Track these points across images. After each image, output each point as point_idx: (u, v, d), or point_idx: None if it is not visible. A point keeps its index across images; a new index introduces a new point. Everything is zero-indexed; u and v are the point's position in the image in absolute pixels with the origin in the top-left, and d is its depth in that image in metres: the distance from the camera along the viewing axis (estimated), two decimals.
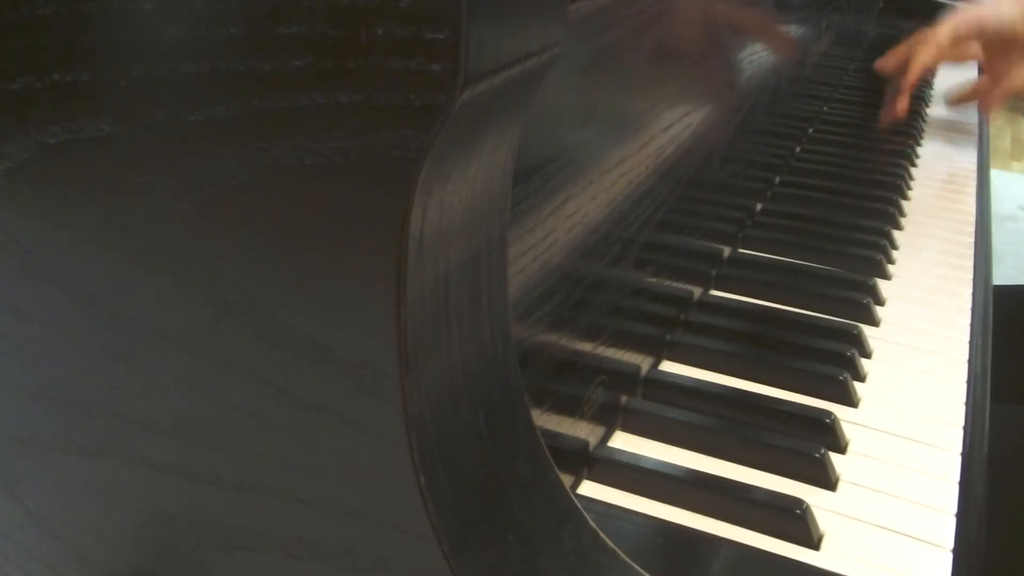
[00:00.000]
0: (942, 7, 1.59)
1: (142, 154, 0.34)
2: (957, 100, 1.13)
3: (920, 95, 1.29)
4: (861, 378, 0.65)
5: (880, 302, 0.76)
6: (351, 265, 0.32)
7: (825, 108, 1.22)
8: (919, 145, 1.16)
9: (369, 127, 0.31)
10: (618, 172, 0.54)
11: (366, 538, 0.36)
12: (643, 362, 0.62)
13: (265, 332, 0.35)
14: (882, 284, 0.78)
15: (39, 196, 0.37)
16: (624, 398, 0.59)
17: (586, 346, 0.53)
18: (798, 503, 0.51)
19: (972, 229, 0.93)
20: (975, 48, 1.08)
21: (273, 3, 0.30)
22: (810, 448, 0.55)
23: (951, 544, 0.51)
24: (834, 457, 0.56)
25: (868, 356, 0.68)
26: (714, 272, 0.76)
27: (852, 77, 1.35)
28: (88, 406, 0.40)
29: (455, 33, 0.29)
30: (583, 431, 0.53)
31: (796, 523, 0.50)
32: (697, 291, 0.73)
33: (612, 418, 0.58)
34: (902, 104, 1.03)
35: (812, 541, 0.50)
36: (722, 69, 0.74)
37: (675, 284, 0.68)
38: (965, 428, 0.61)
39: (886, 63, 1.09)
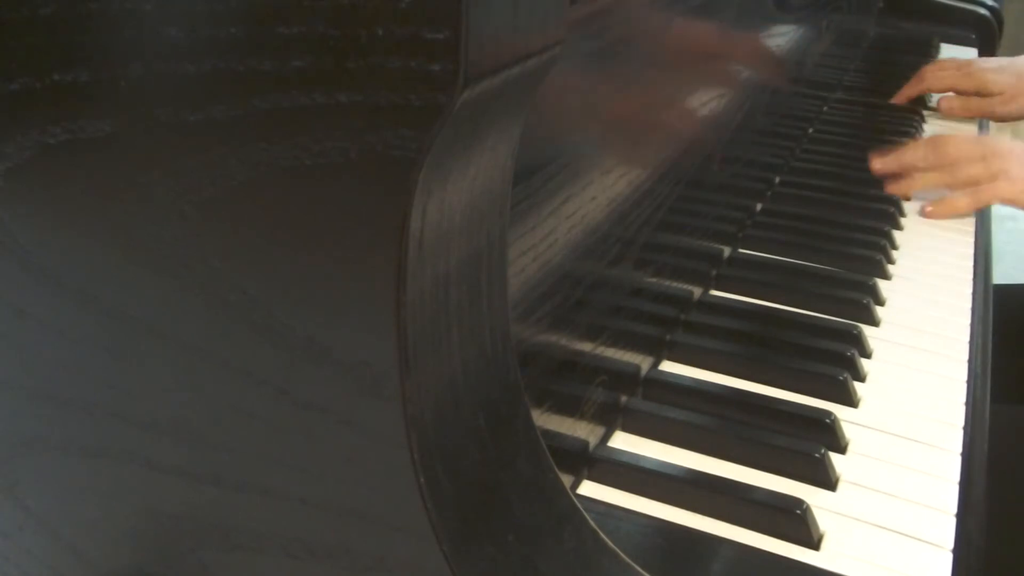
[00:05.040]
0: (940, 8, 1.59)
1: (142, 154, 0.34)
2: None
3: (920, 95, 1.30)
4: (861, 378, 0.65)
5: (880, 302, 0.76)
6: (351, 265, 0.32)
7: (825, 108, 1.22)
8: None
9: (369, 127, 0.31)
10: (618, 172, 0.54)
11: (366, 538, 0.36)
12: (643, 362, 0.62)
13: (265, 332, 0.35)
14: (882, 284, 0.78)
15: (39, 196, 0.37)
16: (624, 398, 0.59)
17: (586, 346, 0.53)
18: (798, 503, 0.51)
19: (972, 229, 0.93)
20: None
21: (273, 3, 0.30)
22: (810, 448, 0.55)
23: (951, 544, 0.51)
24: (834, 457, 0.56)
25: (868, 356, 0.68)
26: (714, 272, 0.76)
27: (852, 77, 1.35)
28: (88, 406, 0.40)
29: (455, 33, 0.29)
30: (583, 431, 0.53)
31: (796, 523, 0.50)
32: (697, 291, 0.73)
33: (612, 418, 0.58)
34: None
35: (812, 541, 0.50)
36: (722, 68, 0.74)
37: (675, 284, 0.68)
38: (965, 428, 0.61)
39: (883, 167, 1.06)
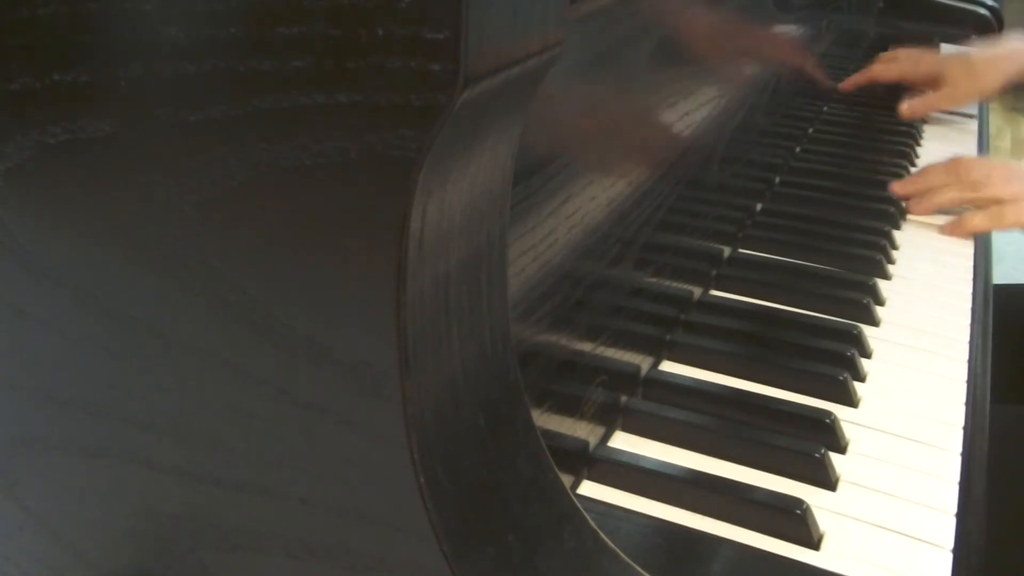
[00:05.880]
0: (940, 8, 1.59)
1: (142, 154, 0.34)
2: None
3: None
4: (861, 378, 0.65)
5: (880, 302, 0.76)
6: (351, 265, 0.32)
7: (825, 108, 1.22)
8: (919, 145, 1.16)
9: (369, 127, 0.31)
10: (618, 172, 0.55)
11: (366, 538, 0.36)
12: (643, 362, 0.62)
13: (265, 332, 0.35)
14: (882, 284, 0.78)
15: (39, 196, 0.37)
16: (624, 398, 0.59)
17: (586, 346, 0.53)
18: (798, 503, 0.51)
19: None
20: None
21: (273, 3, 0.30)
22: (810, 448, 0.55)
23: (951, 544, 0.51)
24: (834, 457, 0.56)
25: (868, 356, 0.68)
26: (714, 272, 0.76)
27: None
28: (88, 406, 0.40)
29: (455, 33, 0.29)
30: (583, 431, 0.53)
31: (796, 523, 0.50)
32: (697, 291, 0.73)
33: (612, 418, 0.58)
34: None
35: (812, 541, 0.50)
36: (722, 68, 0.74)
37: (675, 284, 0.68)
38: (965, 428, 0.61)
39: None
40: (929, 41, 1.49)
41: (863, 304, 0.73)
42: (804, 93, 1.10)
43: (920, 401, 0.63)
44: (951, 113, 1.27)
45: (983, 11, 1.59)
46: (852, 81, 1.26)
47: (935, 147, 1.17)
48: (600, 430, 0.56)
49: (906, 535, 0.51)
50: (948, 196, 0.94)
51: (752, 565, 0.48)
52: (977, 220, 0.91)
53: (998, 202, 0.91)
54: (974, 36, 1.56)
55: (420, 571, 0.35)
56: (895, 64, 1.24)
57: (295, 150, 0.32)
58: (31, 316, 0.39)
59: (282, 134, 0.32)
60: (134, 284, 0.36)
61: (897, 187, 0.97)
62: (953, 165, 0.96)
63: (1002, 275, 1.26)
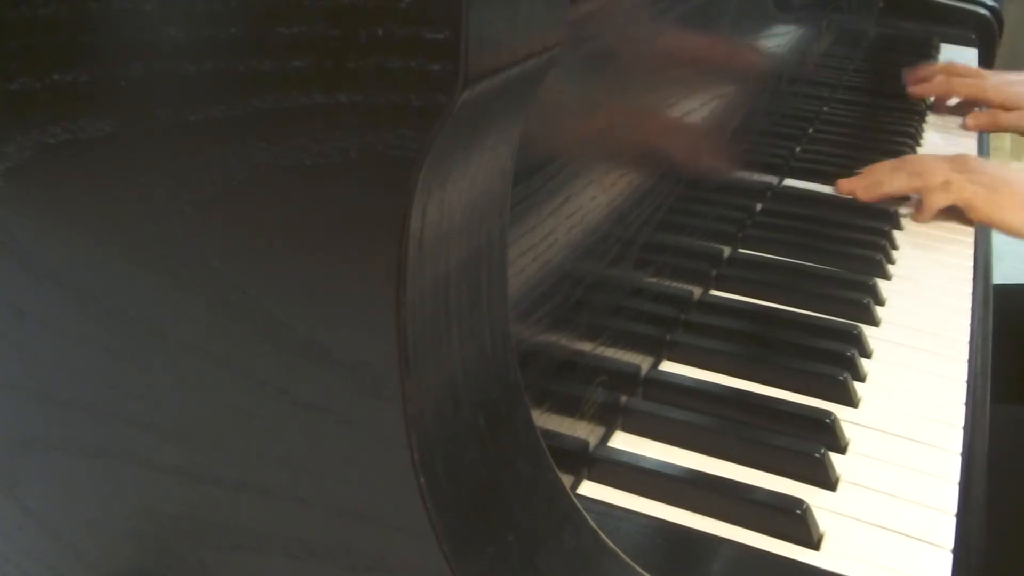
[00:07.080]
0: (940, 8, 1.59)
1: (142, 154, 0.34)
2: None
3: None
4: (861, 378, 0.65)
5: (880, 302, 0.76)
6: (351, 265, 0.32)
7: (825, 108, 1.22)
8: (919, 145, 1.16)
9: (369, 127, 0.31)
10: (618, 172, 0.54)
11: (366, 538, 0.36)
12: (643, 362, 0.62)
13: (265, 332, 0.35)
14: (882, 284, 0.78)
15: (39, 196, 0.37)
16: (624, 398, 0.59)
17: (586, 346, 0.53)
18: (798, 503, 0.51)
19: (972, 228, 0.93)
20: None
21: (273, 3, 0.30)
22: (810, 448, 0.55)
23: (951, 544, 0.51)
24: (834, 457, 0.56)
25: (868, 356, 0.68)
26: (714, 272, 0.76)
27: (852, 77, 1.35)
28: (88, 406, 0.40)
29: (455, 33, 0.29)
30: (583, 431, 0.53)
31: (796, 523, 0.50)
32: (697, 291, 0.73)
33: (612, 418, 0.58)
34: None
35: (812, 541, 0.50)
36: (723, 69, 0.74)
37: (675, 284, 0.68)
38: (965, 428, 0.61)
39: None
40: (929, 42, 1.49)
41: (863, 304, 0.73)
42: (804, 93, 1.10)
43: (920, 401, 0.63)
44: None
45: (983, 11, 1.59)
46: (924, 91, 1.25)
47: (935, 146, 1.17)
48: (600, 430, 0.56)
49: (906, 535, 0.51)
50: (897, 184, 0.94)
51: (752, 565, 0.49)
52: (934, 197, 0.92)
53: (947, 183, 0.92)
54: (974, 36, 1.57)
55: (420, 571, 0.35)
56: (970, 82, 1.23)
57: (295, 150, 0.32)
58: (31, 316, 0.39)
59: (282, 134, 0.32)
60: (134, 284, 0.36)
61: (843, 184, 0.97)
62: (900, 160, 0.97)
63: (1002, 275, 1.26)
